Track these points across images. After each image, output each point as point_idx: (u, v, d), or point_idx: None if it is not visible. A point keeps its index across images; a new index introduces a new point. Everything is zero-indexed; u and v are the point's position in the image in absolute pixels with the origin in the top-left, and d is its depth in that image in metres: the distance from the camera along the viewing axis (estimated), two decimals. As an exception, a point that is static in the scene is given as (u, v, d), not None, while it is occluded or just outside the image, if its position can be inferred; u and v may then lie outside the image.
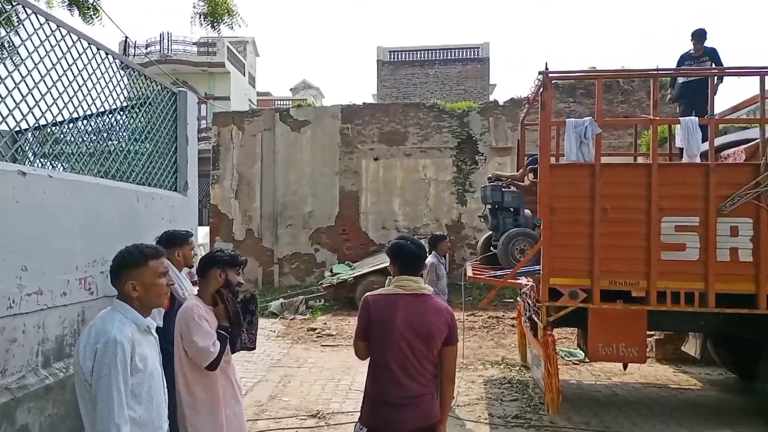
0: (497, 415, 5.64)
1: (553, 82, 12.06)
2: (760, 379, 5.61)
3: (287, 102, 32.68)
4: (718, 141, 6.18)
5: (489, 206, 7.51)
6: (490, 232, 7.69)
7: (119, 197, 4.00)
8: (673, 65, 7.83)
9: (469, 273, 6.70)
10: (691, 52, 7.74)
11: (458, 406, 5.92)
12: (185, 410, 3.02)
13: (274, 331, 10.31)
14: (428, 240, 6.31)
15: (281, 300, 12.68)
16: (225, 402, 3.11)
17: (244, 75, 29.56)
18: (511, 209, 7.29)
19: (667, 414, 5.76)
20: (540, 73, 5.51)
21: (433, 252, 6.10)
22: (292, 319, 11.45)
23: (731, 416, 5.72)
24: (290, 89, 41.09)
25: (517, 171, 8.06)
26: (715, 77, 7.24)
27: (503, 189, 7.27)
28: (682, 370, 7.57)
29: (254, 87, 32.13)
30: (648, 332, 8.06)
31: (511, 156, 13.15)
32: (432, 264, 5.94)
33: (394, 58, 26.89)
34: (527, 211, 7.23)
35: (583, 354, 6.82)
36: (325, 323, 10.81)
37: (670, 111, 11.11)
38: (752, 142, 5.47)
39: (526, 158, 7.90)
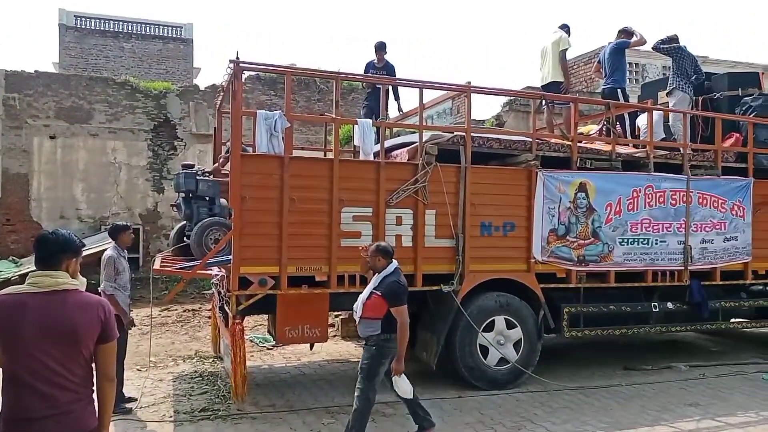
0: (183, 411, 5.44)
1: (257, 74, 12.07)
2: (417, 346, 6.61)
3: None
4: (390, 142, 7.06)
5: (182, 194, 7.20)
6: (184, 222, 7.38)
7: None
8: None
9: (157, 265, 6.31)
10: (375, 62, 8.65)
11: (141, 407, 5.53)
12: None
13: None
14: (108, 230, 5.72)
15: None
16: None
17: None
18: (206, 198, 7.11)
19: (345, 385, 6.34)
20: (231, 61, 5.47)
21: (113, 244, 5.55)
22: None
23: (395, 380, 6.61)
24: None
25: (214, 159, 7.90)
26: (390, 87, 8.31)
27: (198, 177, 7.04)
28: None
29: None
30: (334, 313, 8.89)
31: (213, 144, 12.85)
32: (110, 257, 5.39)
33: (81, 24, 23.70)
34: (223, 201, 7.14)
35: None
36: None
37: (357, 113, 12.30)
38: (413, 145, 6.38)
39: (223, 147, 7.79)
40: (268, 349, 8.07)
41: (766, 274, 7.74)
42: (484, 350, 6.28)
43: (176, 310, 10.52)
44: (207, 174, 7.28)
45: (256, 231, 5.47)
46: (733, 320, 8.03)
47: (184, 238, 7.14)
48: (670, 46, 8.09)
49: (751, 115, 7.65)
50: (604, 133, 7.95)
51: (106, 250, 5.64)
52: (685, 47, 8.08)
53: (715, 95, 8.17)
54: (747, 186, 7.47)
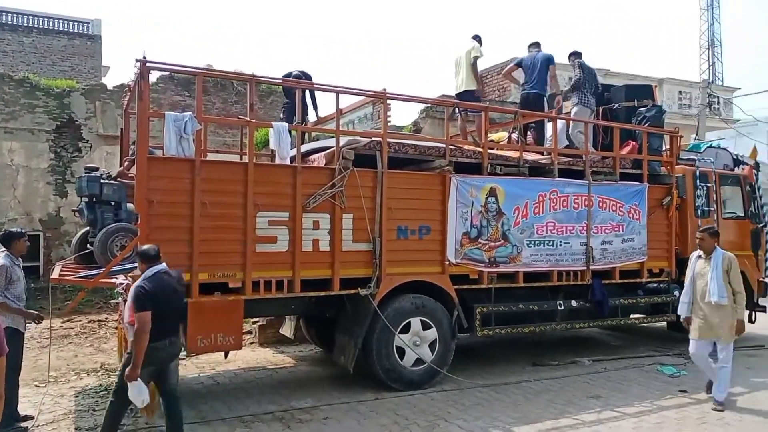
0: (86, 427, 5.15)
1: (171, 74, 11.60)
2: (335, 350, 6.62)
3: None
4: (307, 147, 7.03)
5: (86, 199, 6.82)
6: (88, 228, 6.99)
7: None
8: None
9: (56, 273, 5.94)
10: (293, 72, 8.58)
11: (38, 426, 5.18)
12: None
13: None
14: (0, 238, 5.31)
15: None
16: None
17: None
18: (111, 203, 6.78)
19: (261, 393, 6.26)
20: (137, 61, 5.25)
21: (5, 252, 5.16)
22: None
23: (313, 386, 6.58)
24: None
25: (121, 162, 7.54)
26: (307, 92, 8.29)
27: (102, 180, 6.70)
28: (281, 351, 8.36)
29: None
30: (252, 319, 8.72)
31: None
32: (2, 266, 5.01)
33: (-27, 15, 21.88)
34: (130, 205, 6.83)
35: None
36: None
37: (277, 116, 12.13)
38: (330, 149, 6.39)
39: (131, 149, 7.45)
40: (180, 359, 7.76)
41: (660, 273, 8.36)
42: (401, 352, 6.37)
43: (80, 321, 9.92)
44: (112, 177, 6.94)
45: (164, 237, 5.26)
46: (631, 316, 8.61)
47: (88, 245, 6.77)
48: (574, 61, 8.62)
49: (645, 125, 8.26)
50: (515, 140, 8.30)
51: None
52: (584, 62, 8.61)
53: (614, 106, 8.76)
54: (642, 191, 8.04)
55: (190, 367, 7.42)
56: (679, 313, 6.33)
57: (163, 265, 4.45)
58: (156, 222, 5.26)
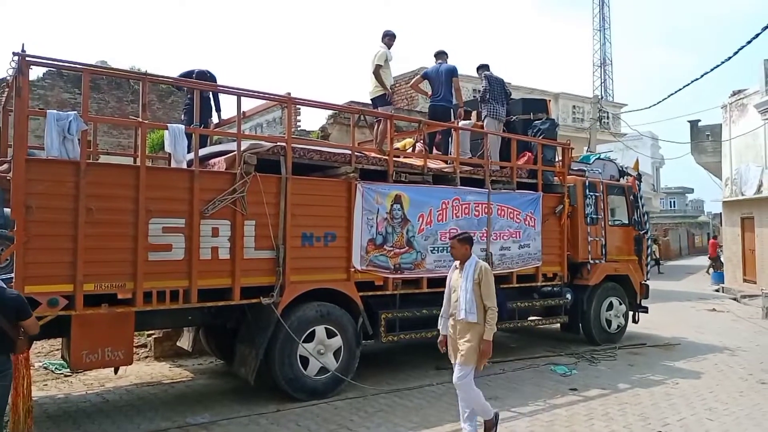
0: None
1: (60, 71, 10.72)
2: (236, 362, 6.39)
3: None
4: (206, 150, 6.77)
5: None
6: (-44, 235, 6.31)
7: None
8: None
9: None
10: (195, 70, 8.23)
11: None
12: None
13: None
14: None
15: None
16: None
17: None
18: (-15, 207, 6.16)
19: (154, 410, 5.92)
20: (15, 54, 4.82)
21: None
22: None
23: (212, 400, 6.32)
24: None
25: (-3, 163, 6.87)
26: (210, 95, 7.98)
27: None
28: (178, 365, 7.97)
29: None
30: (147, 332, 8.24)
31: None
32: None
33: None
34: (7, 210, 6.24)
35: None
36: None
37: (177, 117, 11.62)
38: (231, 153, 6.19)
39: (9, 147, 6.81)
40: (66, 376, 7.21)
41: (553, 277, 8.83)
42: (305, 361, 6.27)
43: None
44: None
45: (44, 245, 4.86)
46: (528, 318, 9.02)
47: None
48: (482, 74, 8.91)
49: (540, 137, 8.70)
50: (420, 149, 8.44)
51: None
52: (491, 74, 8.92)
53: (511, 118, 9.16)
54: (537, 199, 8.46)
55: (77, 385, 6.90)
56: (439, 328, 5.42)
57: None
58: (35, 229, 4.84)
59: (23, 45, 4.89)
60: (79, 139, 5.08)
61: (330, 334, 6.47)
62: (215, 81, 8.25)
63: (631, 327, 10.02)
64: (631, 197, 10.17)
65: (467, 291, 4.95)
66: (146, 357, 8.14)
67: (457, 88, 8.70)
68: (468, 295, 4.94)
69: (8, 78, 6.00)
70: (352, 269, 6.63)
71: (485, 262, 7.61)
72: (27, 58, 4.91)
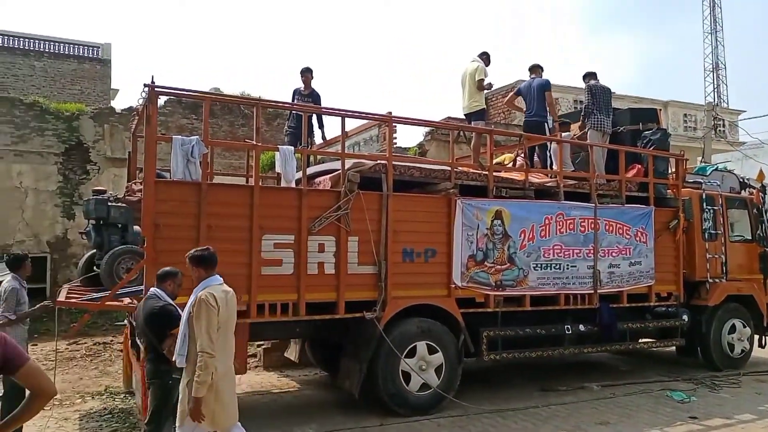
0: (89, 452, 5.10)
1: (179, 98, 11.65)
2: (340, 375, 6.56)
3: None
4: (312, 169, 7.06)
5: (93, 221, 6.85)
6: (94, 250, 7.01)
7: None
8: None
9: (62, 296, 5.94)
10: (302, 89, 8.66)
11: (40, 451, 5.14)
12: None
13: None
14: (6, 262, 5.34)
15: None
16: None
17: None
18: (119, 225, 6.80)
19: (264, 418, 6.18)
20: (146, 85, 5.32)
21: (12, 275, 5.18)
22: None
23: (317, 411, 6.51)
24: None
25: (128, 184, 7.57)
26: (314, 115, 8.34)
27: (109, 203, 6.73)
28: (286, 375, 8.29)
29: None
30: (257, 342, 8.66)
31: (129, 168, 12.34)
32: (13, 289, 5.03)
33: (-14, 40, 22.30)
34: (137, 228, 6.85)
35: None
36: None
37: (282, 139, 12.21)
38: (336, 172, 6.41)
39: (138, 171, 7.50)
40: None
41: (668, 297, 8.29)
42: (407, 376, 6.30)
43: (85, 343, 9.89)
44: (119, 200, 6.98)
45: (170, 260, 5.25)
46: (640, 341, 8.51)
47: (94, 267, 6.78)
48: (587, 84, 8.58)
49: (651, 148, 8.26)
50: (521, 163, 8.29)
51: (1, 281, 5.27)
52: (597, 84, 8.56)
53: (618, 129, 8.76)
54: (649, 214, 8.01)
55: (194, 391, 7.35)
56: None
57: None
58: (162, 245, 5.27)
59: (152, 77, 5.39)
60: (200, 162, 5.49)
61: (431, 351, 6.46)
62: (320, 99, 8.62)
63: (757, 352, 9.16)
64: (755, 211, 9.36)
65: (182, 326, 3.97)
66: (256, 366, 8.54)
67: (550, 103, 8.43)
68: (182, 333, 3.95)
69: (138, 107, 6.62)
70: (453, 285, 6.61)
71: (592, 279, 7.40)
72: (156, 89, 5.40)
